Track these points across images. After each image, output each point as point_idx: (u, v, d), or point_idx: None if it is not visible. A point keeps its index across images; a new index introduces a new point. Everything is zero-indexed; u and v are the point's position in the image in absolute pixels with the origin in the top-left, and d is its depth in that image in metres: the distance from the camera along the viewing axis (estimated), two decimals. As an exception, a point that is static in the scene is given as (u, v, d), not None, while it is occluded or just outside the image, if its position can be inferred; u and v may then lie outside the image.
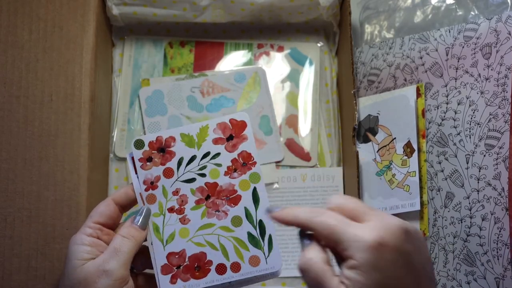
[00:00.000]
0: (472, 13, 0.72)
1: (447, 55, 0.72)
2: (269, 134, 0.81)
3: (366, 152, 0.77)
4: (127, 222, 0.58)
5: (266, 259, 0.58)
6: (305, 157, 0.81)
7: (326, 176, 0.80)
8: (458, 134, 0.69)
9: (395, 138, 0.75)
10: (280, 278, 0.77)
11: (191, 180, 0.59)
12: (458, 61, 0.71)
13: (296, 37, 0.85)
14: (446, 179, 0.69)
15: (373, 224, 0.47)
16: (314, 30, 0.85)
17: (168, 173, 0.59)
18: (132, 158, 0.60)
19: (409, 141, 0.73)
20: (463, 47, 0.70)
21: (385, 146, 0.76)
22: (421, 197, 0.71)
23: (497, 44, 0.67)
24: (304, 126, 0.82)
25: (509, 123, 0.64)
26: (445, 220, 0.69)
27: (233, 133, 0.60)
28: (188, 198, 0.59)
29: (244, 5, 0.80)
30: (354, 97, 0.75)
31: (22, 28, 0.72)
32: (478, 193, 0.66)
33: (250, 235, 0.58)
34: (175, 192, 0.59)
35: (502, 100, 0.65)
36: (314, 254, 0.48)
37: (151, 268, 0.58)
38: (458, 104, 0.70)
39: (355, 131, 0.75)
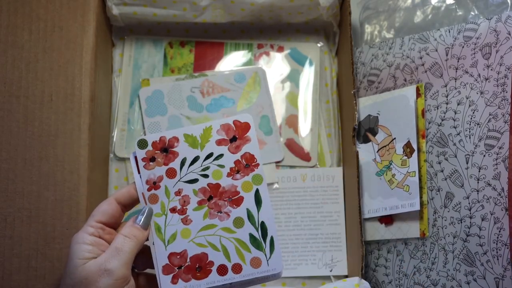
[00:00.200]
0: (472, 13, 0.72)
1: (447, 55, 0.72)
2: (269, 134, 0.81)
3: (366, 152, 0.77)
4: (129, 222, 0.58)
5: (267, 260, 0.58)
6: (305, 157, 0.81)
7: (326, 176, 0.80)
8: (458, 134, 0.69)
9: (395, 138, 0.75)
10: (280, 278, 0.77)
11: (194, 181, 0.59)
12: (458, 61, 0.71)
13: (296, 37, 0.85)
14: (446, 179, 0.70)
15: None
16: (314, 30, 0.85)
17: (171, 173, 0.59)
18: (135, 158, 0.60)
19: (409, 141, 0.73)
20: (463, 47, 0.70)
21: (385, 146, 0.76)
22: (421, 197, 0.71)
23: (497, 44, 0.67)
24: (304, 126, 0.82)
25: (508, 123, 0.65)
26: (445, 220, 0.69)
27: (236, 134, 0.60)
28: (191, 199, 0.59)
29: (244, 5, 0.80)
30: (354, 97, 0.76)
31: (22, 28, 0.72)
32: (477, 193, 0.66)
33: (252, 236, 0.58)
34: (178, 193, 0.59)
35: (502, 100, 0.66)
36: None
37: (153, 268, 0.58)
38: (458, 104, 0.70)
39: (355, 131, 0.75)
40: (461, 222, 0.67)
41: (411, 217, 0.72)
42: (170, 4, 0.80)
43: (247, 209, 0.59)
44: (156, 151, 0.59)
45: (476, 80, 0.68)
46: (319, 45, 0.85)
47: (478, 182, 0.66)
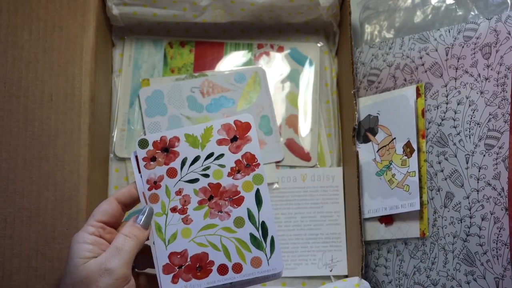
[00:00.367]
0: (472, 13, 0.72)
1: (447, 55, 0.72)
2: (269, 134, 0.81)
3: (366, 152, 0.78)
4: (129, 221, 0.58)
5: (268, 260, 0.58)
6: (305, 157, 0.81)
7: (326, 176, 0.80)
8: (458, 134, 0.69)
9: (395, 138, 0.75)
10: (280, 278, 0.77)
11: (195, 181, 0.59)
12: (458, 61, 0.71)
13: (296, 37, 0.85)
14: (445, 179, 0.70)
15: None
16: (314, 30, 0.85)
17: (172, 173, 0.59)
18: (136, 157, 0.60)
19: (408, 141, 0.73)
20: (463, 47, 0.71)
21: (385, 146, 0.76)
22: (420, 197, 0.72)
23: (496, 44, 0.67)
24: (304, 126, 0.82)
25: (508, 123, 0.65)
26: (445, 220, 0.69)
27: (237, 134, 0.60)
28: (191, 198, 0.59)
29: (244, 5, 0.80)
30: (354, 97, 0.76)
31: (22, 28, 0.72)
32: (477, 193, 0.66)
33: (252, 236, 0.58)
34: (178, 192, 0.59)
35: (501, 100, 0.66)
36: None
37: (153, 267, 0.58)
38: (458, 104, 0.70)
39: (355, 131, 0.75)
40: (461, 222, 0.67)
41: (411, 217, 0.72)
42: (170, 4, 0.80)
43: (248, 209, 0.59)
44: (157, 151, 0.59)
45: (476, 80, 0.68)
46: (319, 45, 0.85)
47: (478, 182, 0.66)
